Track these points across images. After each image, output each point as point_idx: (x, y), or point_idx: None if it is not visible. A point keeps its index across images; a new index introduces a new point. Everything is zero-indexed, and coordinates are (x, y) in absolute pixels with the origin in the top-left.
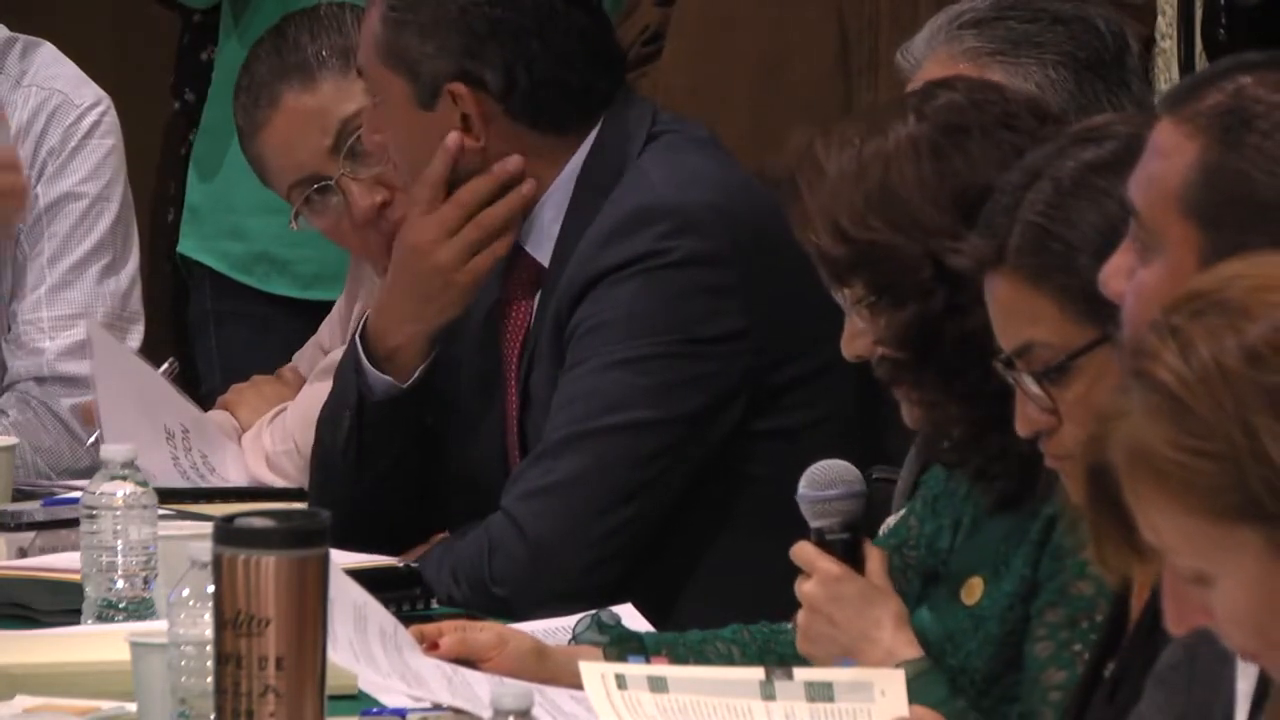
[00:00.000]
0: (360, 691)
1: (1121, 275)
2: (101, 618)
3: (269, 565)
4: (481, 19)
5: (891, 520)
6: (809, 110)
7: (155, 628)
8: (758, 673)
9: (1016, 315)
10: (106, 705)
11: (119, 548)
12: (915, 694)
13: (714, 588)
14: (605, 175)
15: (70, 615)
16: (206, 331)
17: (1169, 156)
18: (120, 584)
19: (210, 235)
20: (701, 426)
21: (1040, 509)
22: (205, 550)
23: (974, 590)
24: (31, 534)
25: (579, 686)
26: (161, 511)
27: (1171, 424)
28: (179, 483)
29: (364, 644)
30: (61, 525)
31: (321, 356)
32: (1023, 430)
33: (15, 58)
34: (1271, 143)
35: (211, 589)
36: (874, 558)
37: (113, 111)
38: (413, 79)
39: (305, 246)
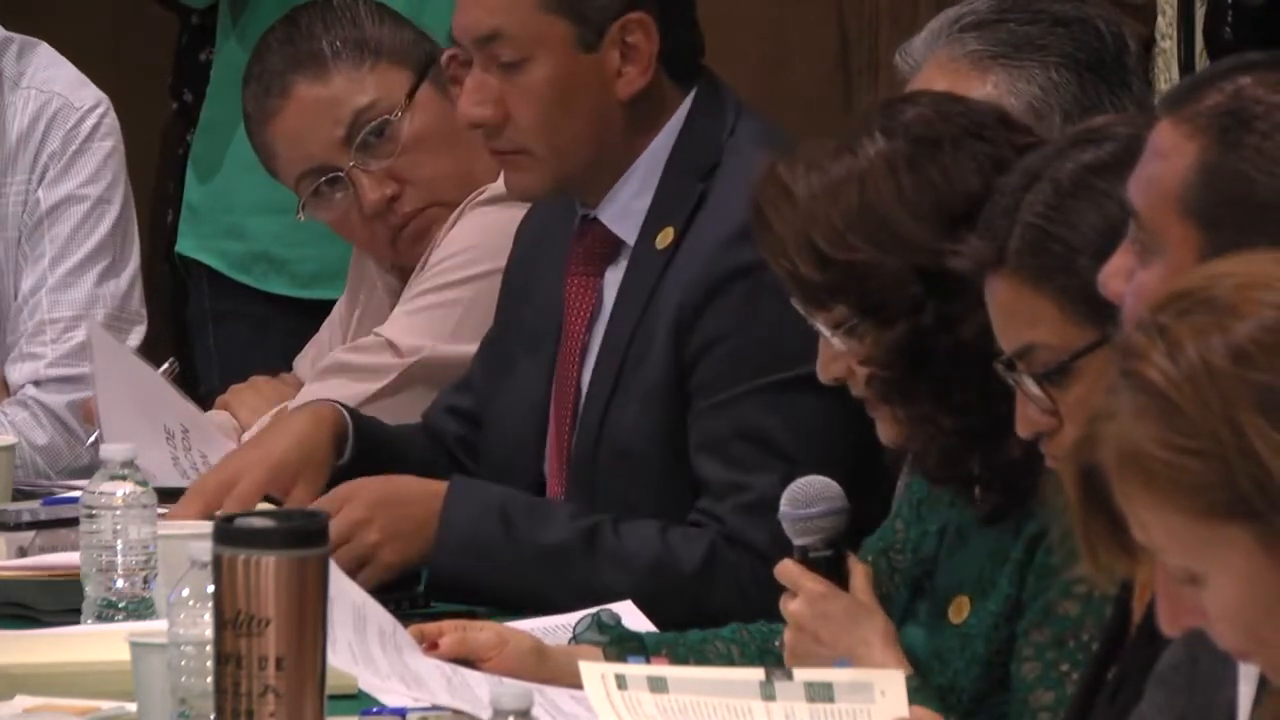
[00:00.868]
0: (360, 691)
1: (1121, 276)
2: (101, 617)
3: (269, 565)
4: None
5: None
6: (809, 110)
7: (155, 628)
8: (758, 673)
9: (1017, 317)
10: (106, 705)
11: (119, 547)
12: None
13: None
14: (698, 157)
15: (70, 615)
16: (205, 330)
17: (1168, 157)
18: (120, 584)
19: (209, 234)
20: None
21: (1023, 527)
22: (205, 550)
23: (961, 609)
24: (31, 533)
25: (579, 686)
26: (161, 511)
27: (1160, 423)
28: (179, 483)
29: (363, 645)
30: (61, 525)
31: (322, 357)
32: (1023, 431)
33: (12, 58)
34: (1271, 143)
35: (211, 589)
36: (859, 574)
37: (112, 112)
38: (577, 19)
39: (304, 245)
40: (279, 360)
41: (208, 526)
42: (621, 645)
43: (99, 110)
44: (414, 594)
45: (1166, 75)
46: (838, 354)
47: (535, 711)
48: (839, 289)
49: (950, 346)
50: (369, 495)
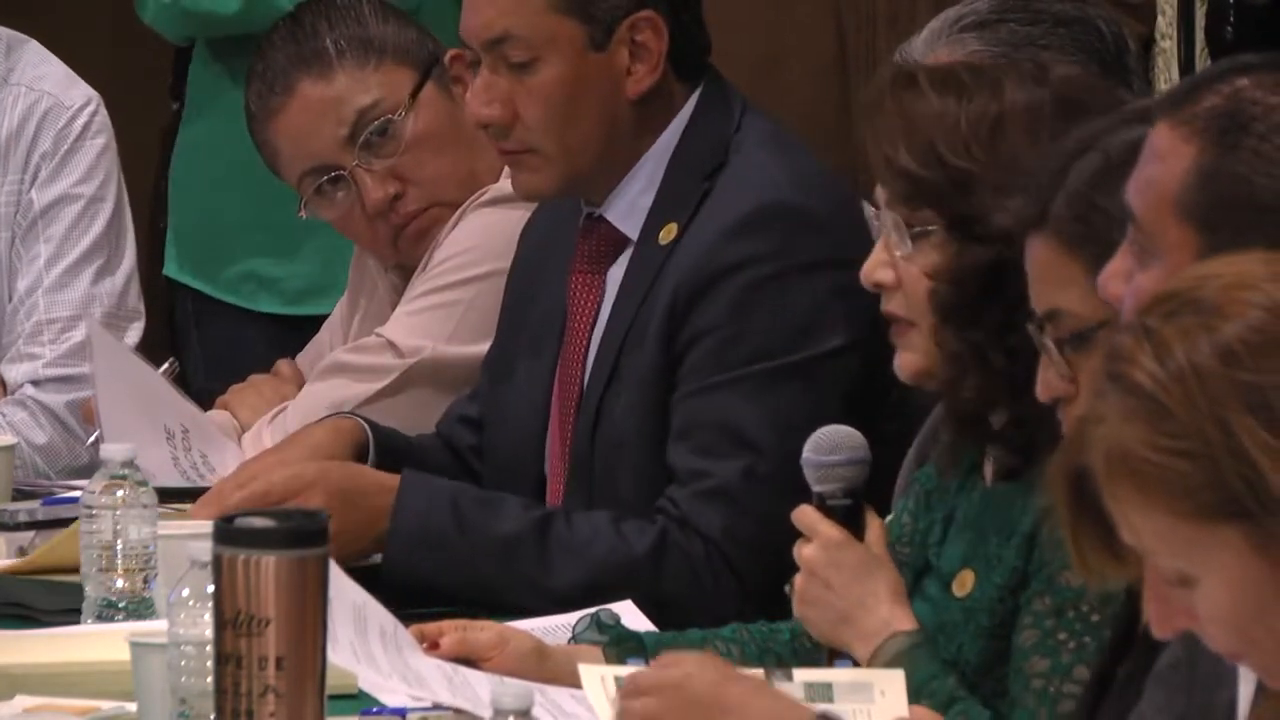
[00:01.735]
0: (360, 691)
1: (1120, 279)
2: (101, 617)
3: (269, 565)
4: None
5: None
6: (806, 110)
7: (155, 628)
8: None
9: (1049, 280)
10: (106, 705)
11: (119, 547)
12: (910, 666)
13: None
14: (702, 154)
15: (70, 615)
16: (190, 344)
17: (1166, 160)
18: (120, 584)
19: (196, 257)
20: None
21: (1032, 501)
22: (205, 550)
23: (965, 582)
24: (31, 533)
25: (580, 685)
26: (182, 508)
27: (1148, 425)
28: (179, 483)
29: (364, 644)
30: (61, 524)
31: (322, 358)
32: (1042, 395)
33: (0, 55)
34: (1269, 145)
35: (211, 589)
36: (874, 527)
37: (103, 109)
38: (586, 19)
39: (292, 263)
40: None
41: (208, 526)
42: (621, 646)
43: (89, 109)
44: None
45: (1166, 75)
46: (892, 260)
47: (536, 711)
48: (940, 192)
49: (1023, 287)
50: (330, 485)
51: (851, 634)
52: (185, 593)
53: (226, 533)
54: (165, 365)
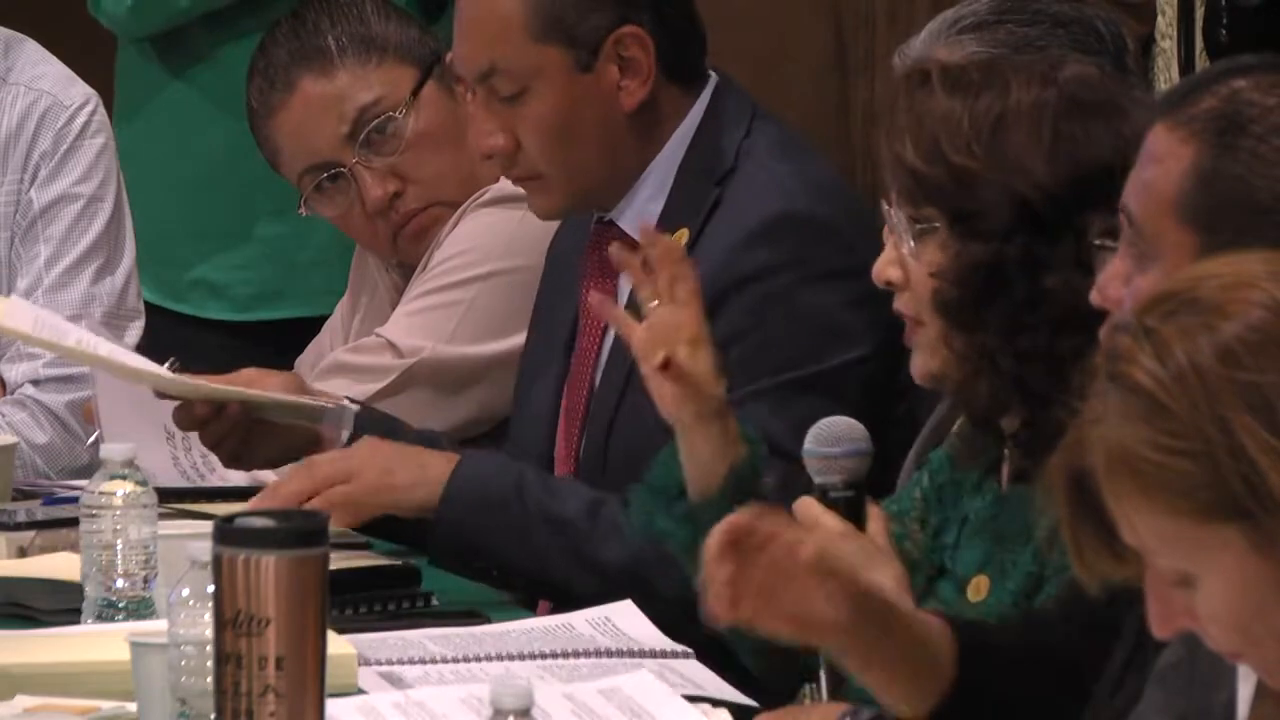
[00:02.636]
0: (360, 689)
1: (1119, 281)
2: (101, 617)
3: (269, 565)
4: None
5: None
6: (805, 110)
7: (155, 628)
8: None
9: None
10: (106, 705)
11: (119, 547)
12: None
13: None
14: (713, 161)
15: (70, 615)
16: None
17: (1163, 162)
18: (120, 584)
19: (144, 264)
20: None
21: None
22: (205, 550)
23: (980, 588)
24: (31, 533)
25: None
26: (161, 511)
27: (1149, 425)
28: (179, 483)
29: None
30: (61, 525)
31: (322, 360)
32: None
33: None
34: (1266, 146)
35: (211, 589)
36: (876, 519)
37: (101, 108)
38: (570, 43)
39: (241, 268)
40: None
41: (208, 526)
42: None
43: (88, 108)
44: (414, 593)
45: (1166, 75)
46: (901, 258)
47: (535, 712)
48: (941, 190)
49: (1029, 288)
50: (384, 447)
51: None
52: (185, 593)
53: (226, 533)
54: (166, 365)
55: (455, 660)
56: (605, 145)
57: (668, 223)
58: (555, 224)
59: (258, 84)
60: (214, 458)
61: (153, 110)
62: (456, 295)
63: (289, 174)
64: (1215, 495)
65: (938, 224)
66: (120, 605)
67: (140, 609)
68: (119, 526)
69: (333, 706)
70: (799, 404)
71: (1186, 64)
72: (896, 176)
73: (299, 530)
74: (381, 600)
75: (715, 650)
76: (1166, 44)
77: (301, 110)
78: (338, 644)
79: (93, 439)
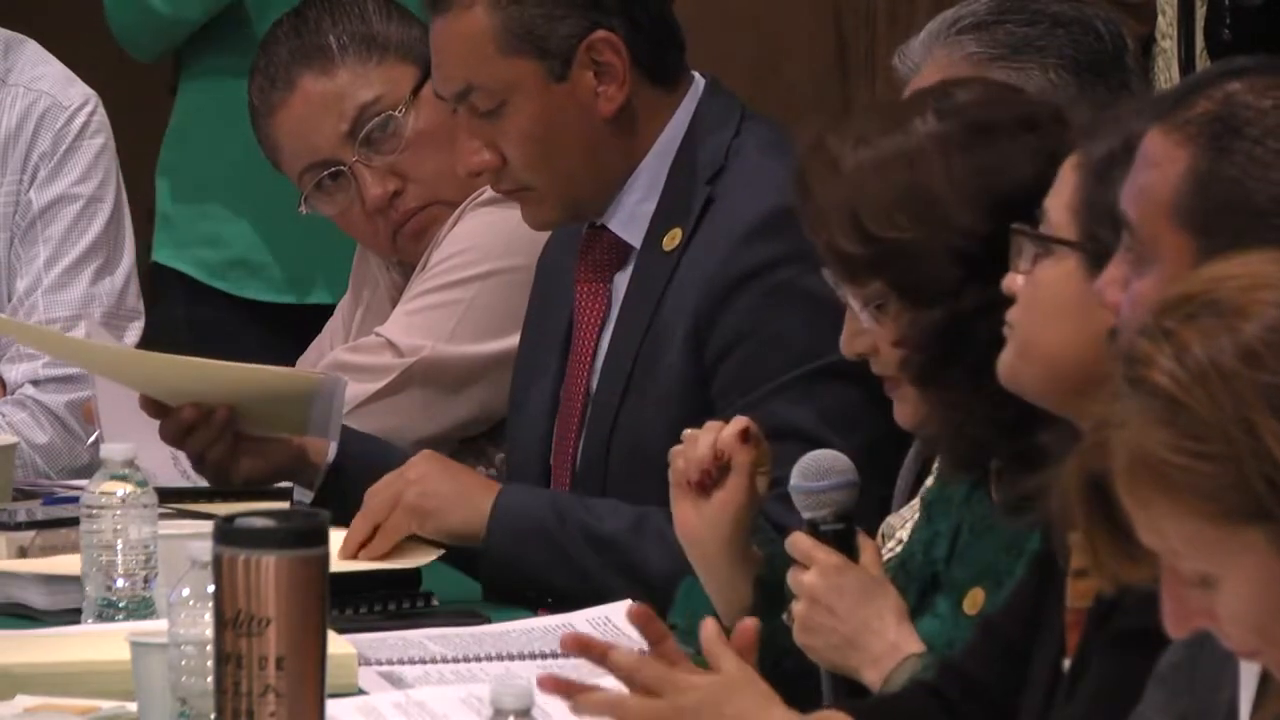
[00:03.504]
0: (360, 689)
1: (1117, 286)
2: (101, 617)
3: (269, 565)
4: None
5: (892, 519)
6: (806, 110)
7: (155, 627)
8: None
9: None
10: (106, 705)
11: (119, 547)
12: None
13: None
14: (703, 160)
15: (70, 615)
16: (177, 339)
17: (1160, 166)
18: (120, 583)
19: (185, 242)
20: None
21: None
22: (205, 550)
23: (975, 600)
24: (31, 533)
25: None
26: (161, 511)
27: (1171, 427)
28: (179, 483)
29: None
30: (61, 524)
31: (323, 359)
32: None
33: None
34: (1262, 149)
35: (211, 589)
36: (868, 549)
37: (101, 108)
38: (542, 55)
39: (281, 250)
40: None
41: (208, 526)
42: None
43: (88, 108)
44: (414, 593)
45: (1166, 75)
46: (862, 330)
47: (535, 712)
48: (878, 265)
49: (989, 333)
50: (434, 465)
51: (859, 658)
52: (185, 593)
53: (226, 533)
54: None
55: (455, 660)
56: (588, 152)
57: (660, 223)
58: None
59: (259, 82)
60: None
61: (204, 91)
62: (456, 294)
63: (289, 172)
64: (1239, 498)
65: (886, 298)
66: (120, 605)
67: (140, 609)
68: (119, 526)
69: (333, 706)
70: (822, 392)
71: (1187, 64)
72: (831, 262)
73: (299, 530)
74: (381, 600)
75: None
76: (1167, 44)
77: (302, 108)
78: (338, 644)
79: (93, 439)
